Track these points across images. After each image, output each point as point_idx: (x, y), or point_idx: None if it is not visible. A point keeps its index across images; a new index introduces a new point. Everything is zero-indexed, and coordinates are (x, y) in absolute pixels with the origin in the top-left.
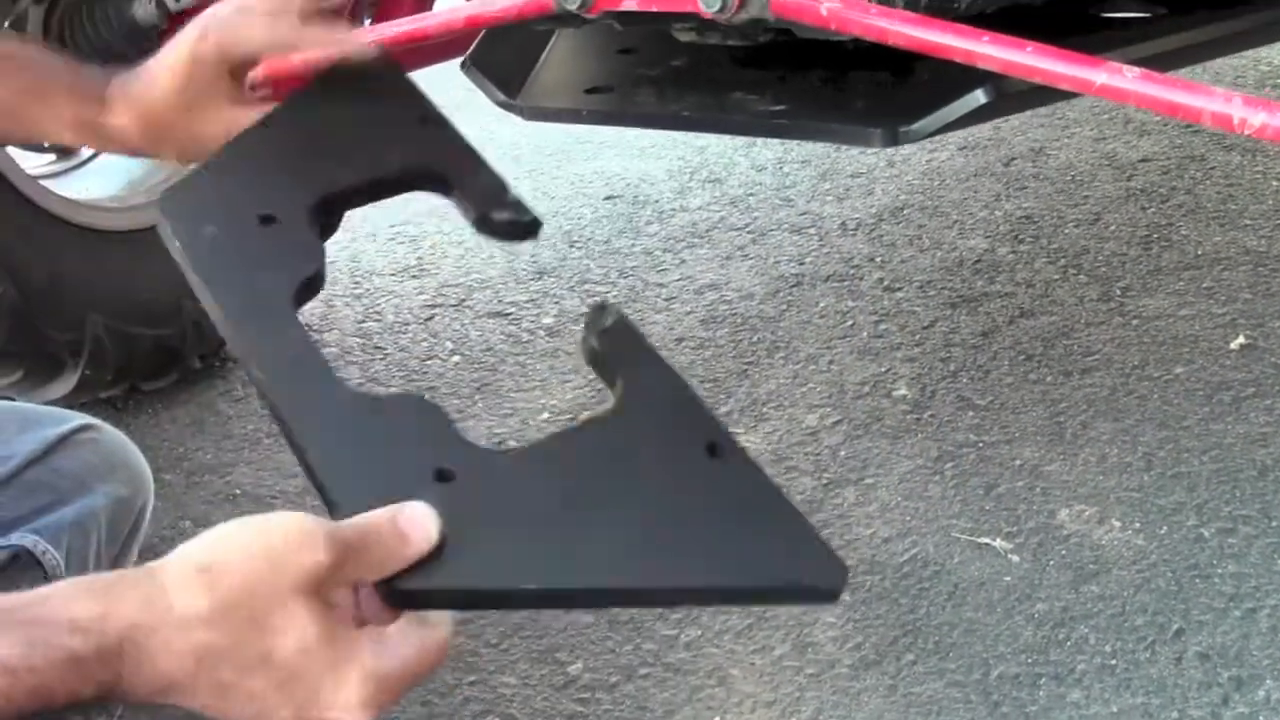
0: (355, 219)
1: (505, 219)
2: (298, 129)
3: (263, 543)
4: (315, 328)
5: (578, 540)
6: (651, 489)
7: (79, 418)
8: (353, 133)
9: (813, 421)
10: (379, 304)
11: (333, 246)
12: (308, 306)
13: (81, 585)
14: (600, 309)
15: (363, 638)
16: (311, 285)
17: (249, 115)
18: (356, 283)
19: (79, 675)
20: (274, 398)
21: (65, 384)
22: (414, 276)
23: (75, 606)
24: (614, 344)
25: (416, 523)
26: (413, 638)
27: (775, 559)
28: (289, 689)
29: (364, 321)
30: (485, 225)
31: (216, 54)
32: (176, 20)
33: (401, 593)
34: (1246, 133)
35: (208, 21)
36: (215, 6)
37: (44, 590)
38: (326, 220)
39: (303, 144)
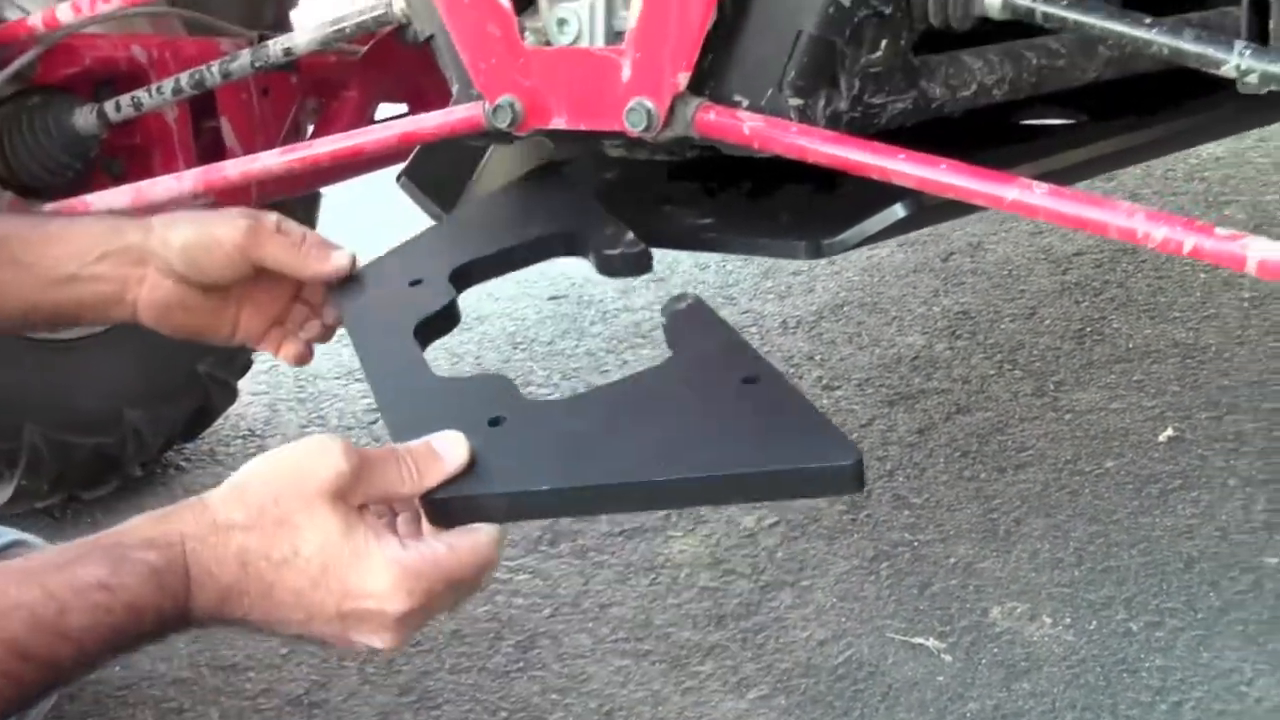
0: None
1: (617, 254)
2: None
3: (288, 457)
4: (259, 433)
5: (600, 449)
6: (680, 410)
7: (10, 534)
8: (502, 216)
9: (750, 523)
10: (323, 408)
11: None
12: (257, 411)
13: (146, 516)
14: (677, 298)
15: (388, 534)
16: (439, 319)
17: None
18: (301, 386)
19: (159, 589)
20: (371, 383)
21: (1, 494)
22: (358, 379)
23: (144, 530)
24: (681, 319)
25: (449, 444)
26: (447, 538)
27: (788, 450)
28: (323, 583)
29: (307, 426)
30: (605, 264)
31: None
32: (117, 130)
33: (436, 503)
34: (1150, 246)
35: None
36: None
37: (119, 525)
38: (464, 281)
39: (462, 230)
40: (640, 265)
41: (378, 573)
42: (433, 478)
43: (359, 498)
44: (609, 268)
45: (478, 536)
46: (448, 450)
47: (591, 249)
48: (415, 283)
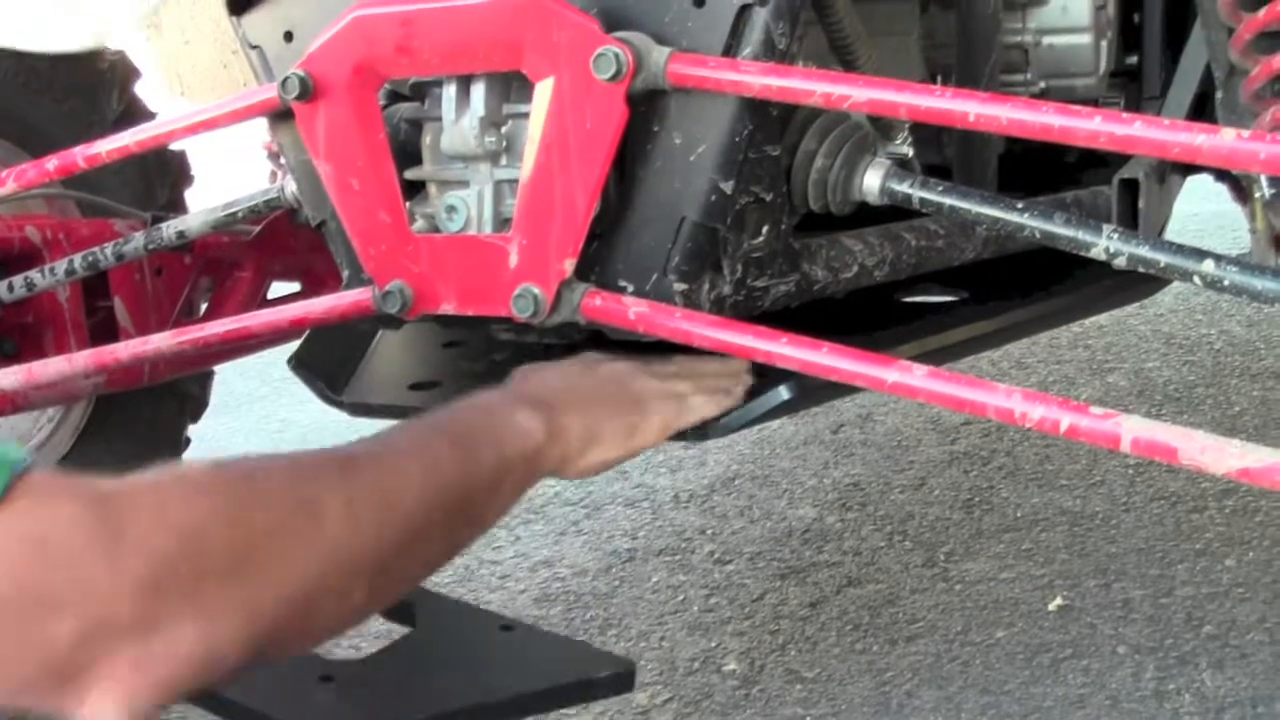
0: None
1: None
2: None
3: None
4: None
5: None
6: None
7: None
8: None
9: (643, 700)
10: None
11: None
12: None
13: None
14: None
15: None
16: None
17: None
18: None
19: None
20: None
21: None
22: None
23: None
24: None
25: None
26: None
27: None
28: (621, 387)
29: None
30: None
31: None
32: (9, 309)
33: None
34: (1027, 426)
35: None
36: None
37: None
38: None
39: None
40: None
41: (649, 378)
42: None
43: None
44: None
45: None
46: None
47: None
48: None
